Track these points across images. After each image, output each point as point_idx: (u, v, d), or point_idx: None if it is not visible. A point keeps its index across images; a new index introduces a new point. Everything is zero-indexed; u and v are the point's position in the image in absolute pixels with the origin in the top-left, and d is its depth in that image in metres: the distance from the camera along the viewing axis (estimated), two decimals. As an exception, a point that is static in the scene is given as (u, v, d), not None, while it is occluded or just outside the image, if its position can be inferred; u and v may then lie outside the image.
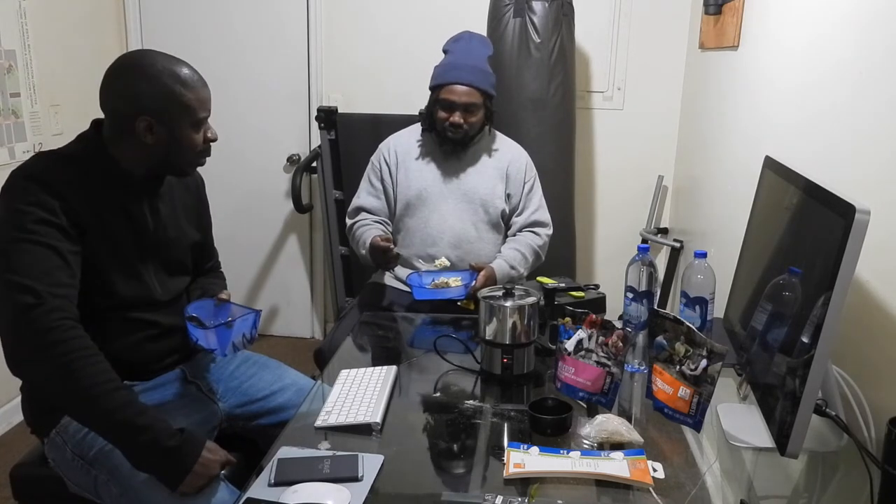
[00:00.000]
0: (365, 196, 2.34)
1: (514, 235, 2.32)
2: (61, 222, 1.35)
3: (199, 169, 1.61)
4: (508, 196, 2.31)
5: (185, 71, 1.46)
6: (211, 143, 1.53)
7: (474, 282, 2.05)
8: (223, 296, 1.66)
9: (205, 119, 1.50)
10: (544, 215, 2.35)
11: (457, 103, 2.18)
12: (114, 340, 1.46)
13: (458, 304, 2.11)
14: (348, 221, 2.35)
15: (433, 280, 2.08)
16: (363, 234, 2.24)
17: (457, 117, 2.19)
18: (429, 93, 2.28)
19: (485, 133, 2.33)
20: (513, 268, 2.20)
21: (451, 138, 2.23)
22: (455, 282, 2.06)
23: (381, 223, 2.31)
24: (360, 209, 2.33)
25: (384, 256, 2.09)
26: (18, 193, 1.36)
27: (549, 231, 2.36)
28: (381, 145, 2.38)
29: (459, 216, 2.26)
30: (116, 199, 1.47)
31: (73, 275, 1.35)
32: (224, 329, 1.55)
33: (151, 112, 1.43)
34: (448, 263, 2.16)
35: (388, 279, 2.34)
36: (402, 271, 2.30)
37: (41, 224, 1.33)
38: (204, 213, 1.76)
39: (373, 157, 2.38)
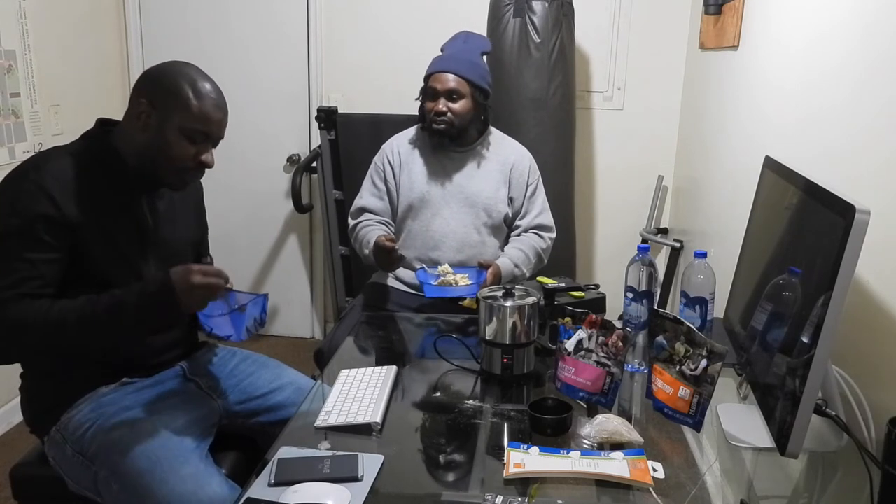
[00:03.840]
0: (368, 196, 2.34)
1: (519, 236, 2.31)
2: (39, 233, 1.36)
3: None
4: (511, 199, 2.31)
5: (206, 86, 1.47)
6: (204, 167, 1.51)
7: (484, 278, 2.05)
8: (227, 285, 1.66)
9: (202, 136, 1.47)
10: (548, 219, 2.35)
11: (439, 90, 2.19)
12: None
13: (460, 303, 2.11)
14: (351, 222, 2.35)
15: (441, 278, 2.08)
16: (366, 234, 2.24)
17: (440, 105, 2.19)
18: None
19: (486, 134, 2.33)
20: (517, 266, 2.20)
21: (437, 130, 2.22)
22: (463, 279, 2.07)
23: (384, 223, 2.31)
24: (362, 210, 2.33)
25: (388, 257, 2.08)
26: (5, 195, 1.38)
27: (553, 235, 2.36)
28: (385, 145, 2.38)
29: (462, 220, 2.26)
30: (116, 194, 1.48)
31: (40, 275, 1.36)
32: (238, 314, 1.55)
33: (152, 97, 1.45)
34: (451, 270, 2.16)
35: (389, 279, 2.33)
36: (403, 273, 2.29)
37: (20, 236, 1.35)
38: (202, 217, 1.78)
39: (376, 158, 2.37)
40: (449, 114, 2.19)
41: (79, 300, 1.34)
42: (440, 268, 2.15)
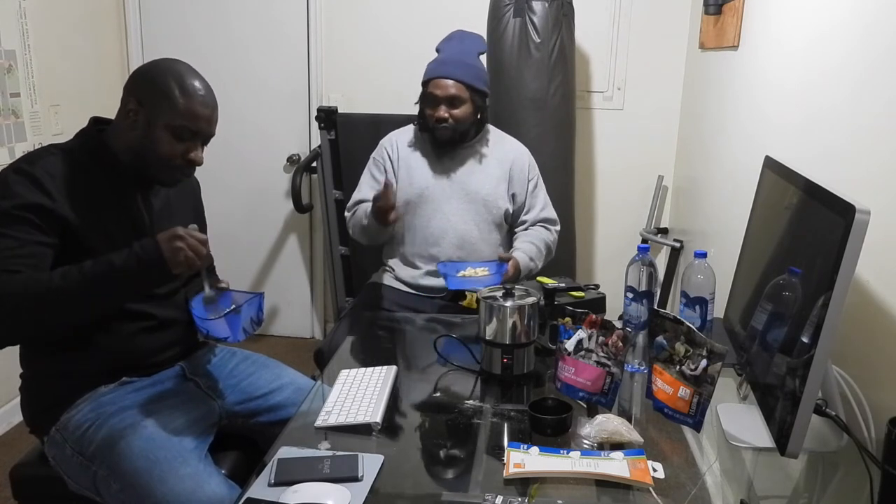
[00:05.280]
0: (367, 190, 2.32)
1: (527, 230, 2.32)
2: (32, 218, 1.36)
3: (197, 169, 1.60)
4: (513, 196, 2.31)
5: (196, 84, 1.47)
6: (194, 165, 1.51)
7: (506, 270, 2.05)
8: (222, 284, 1.66)
9: (190, 134, 1.47)
10: (551, 213, 2.36)
11: (440, 97, 2.19)
12: (110, 332, 1.48)
13: (461, 303, 2.11)
14: (347, 214, 2.35)
15: (461, 270, 2.08)
16: (359, 212, 2.25)
17: (441, 111, 2.19)
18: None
19: (485, 131, 2.33)
20: (531, 259, 2.21)
21: (439, 137, 2.22)
22: (483, 271, 2.06)
23: None
24: (360, 202, 2.32)
25: (385, 209, 2.08)
26: (1, 186, 1.38)
27: (558, 228, 2.38)
28: (384, 140, 2.38)
29: (462, 216, 2.26)
30: (111, 191, 1.49)
31: (31, 255, 1.35)
32: (233, 316, 1.55)
33: (140, 95, 1.45)
34: (475, 271, 2.15)
35: (388, 279, 2.33)
36: (404, 273, 2.30)
37: (9, 217, 1.35)
38: (200, 215, 1.77)
39: (374, 153, 2.37)
40: (450, 120, 2.19)
41: (62, 268, 1.33)
42: (461, 272, 2.12)
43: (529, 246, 2.24)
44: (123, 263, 1.33)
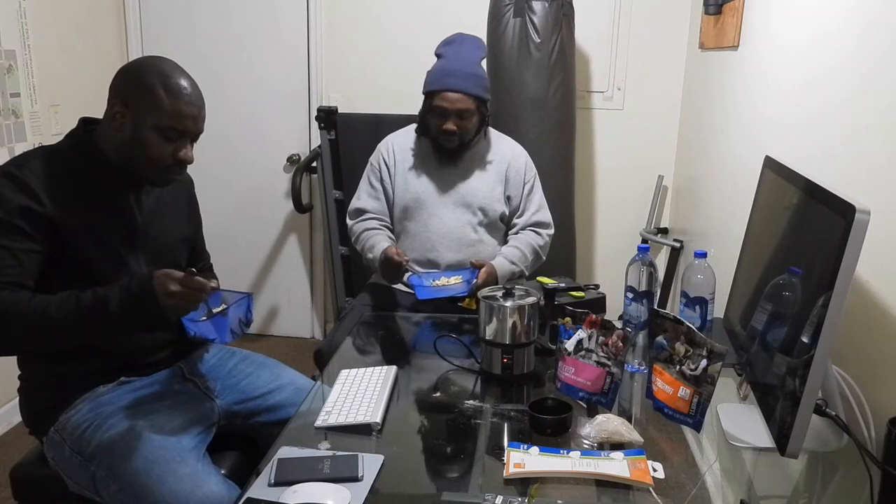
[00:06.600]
0: (366, 198, 2.33)
1: (517, 234, 2.31)
2: (19, 224, 1.36)
3: (195, 167, 1.59)
4: (508, 198, 2.31)
5: (181, 82, 1.45)
6: (184, 164, 1.50)
7: (476, 279, 2.05)
8: (212, 283, 1.66)
9: (178, 133, 1.46)
10: (545, 216, 2.35)
11: (449, 110, 2.16)
12: None
13: (460, 304, 2.11)
14: (349, 222, 2.34)
15: (433, 280, 2.08)
16: (369, 238, 2.23)
17: (450, 124, 2.16)
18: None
19: (482, 135, 2.33)
20: (513, 263, 2.20)
21: (445, 147, 2.21)
22: (456, 280, 2.07)
23: (386, 227, 2.30)
24: (360, 211, 2.33)
25: (397, 270, 2.08)
26: None
27: (551, 231, 2.36)
28: (380, 145, 2.38)
29: (458, 219, 2.26)
30: (102, 191, 1.48)
31: (19, 263, 1.36)
32: (220, 318, 1.55)
33: (125, 96, 1.44)
34: (446, 281, 2.15)
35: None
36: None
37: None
38: (194, 211, 1.77)
39: (371, 158, 2.37)
40: (458, 132, 2.18)
41: (62, 294, 1.33)
42: (435, 281, 2.14)
43: (514, 251, 2.23)
44: (119, 301, 1.32)
